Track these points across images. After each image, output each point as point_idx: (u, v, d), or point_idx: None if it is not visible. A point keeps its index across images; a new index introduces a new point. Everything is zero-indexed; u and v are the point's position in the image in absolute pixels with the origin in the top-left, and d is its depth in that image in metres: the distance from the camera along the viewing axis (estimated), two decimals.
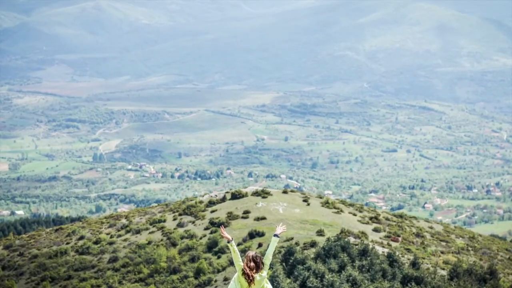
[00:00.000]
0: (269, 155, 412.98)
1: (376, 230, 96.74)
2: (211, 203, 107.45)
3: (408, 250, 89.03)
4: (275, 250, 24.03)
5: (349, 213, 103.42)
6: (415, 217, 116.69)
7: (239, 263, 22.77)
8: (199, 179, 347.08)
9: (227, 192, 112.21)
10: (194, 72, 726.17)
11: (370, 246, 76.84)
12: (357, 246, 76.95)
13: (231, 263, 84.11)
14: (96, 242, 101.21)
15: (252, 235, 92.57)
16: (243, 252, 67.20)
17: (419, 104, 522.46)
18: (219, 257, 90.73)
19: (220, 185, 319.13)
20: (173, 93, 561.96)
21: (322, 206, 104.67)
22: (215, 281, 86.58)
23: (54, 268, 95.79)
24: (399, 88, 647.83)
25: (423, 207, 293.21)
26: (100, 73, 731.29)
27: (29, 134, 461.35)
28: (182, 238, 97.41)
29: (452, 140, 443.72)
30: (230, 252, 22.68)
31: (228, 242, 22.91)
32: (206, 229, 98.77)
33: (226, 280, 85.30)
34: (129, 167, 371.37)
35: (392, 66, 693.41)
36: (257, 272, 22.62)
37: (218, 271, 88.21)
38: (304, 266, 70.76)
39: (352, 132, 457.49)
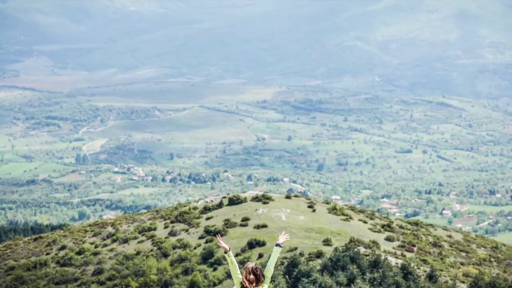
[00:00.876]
0: (271, 156, 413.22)
1: (389, 239, 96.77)
2: (206, 209, 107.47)
3: (424, 261, 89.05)
4: (277, 261, 24.03)
5: (359, 220, 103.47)
6: (432, 225, 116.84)
7: (238, 275, 22.78)
8: (193, 182, 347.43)
9: (224, 197, 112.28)
10: (187, 64, 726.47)
11: (382, 257, 76.83)
12: (368, 257, 76.92)
13: (229, 275, 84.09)
14: (79, 253, 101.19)
15: (251, 244, 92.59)
16: (242, 263, 67.06)
17: (436, 100, 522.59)
18: (215, 269, 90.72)
19: (216, 190, 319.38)
20: (164, 87, 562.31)
21: (329, 212, 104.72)
22: None
23: (33, 281, 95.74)
24: (414, 82, 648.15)
25: (441, 213, 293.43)
26: (84, 65, 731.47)
27: (5, 133, 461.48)
28: (174, 248, 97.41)
29: (473, 139, 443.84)
30: (228, 263, 22.69)
31: (225, 252, 22.91)
32: (200, 238, 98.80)
33: None
34: (116, 169, 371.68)
35: (407, 58, 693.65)
36: (257, 285, 22.64)
37: (214, 285, 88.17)
38: (309, 279, 70.72)
39: (362, 130, 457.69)
